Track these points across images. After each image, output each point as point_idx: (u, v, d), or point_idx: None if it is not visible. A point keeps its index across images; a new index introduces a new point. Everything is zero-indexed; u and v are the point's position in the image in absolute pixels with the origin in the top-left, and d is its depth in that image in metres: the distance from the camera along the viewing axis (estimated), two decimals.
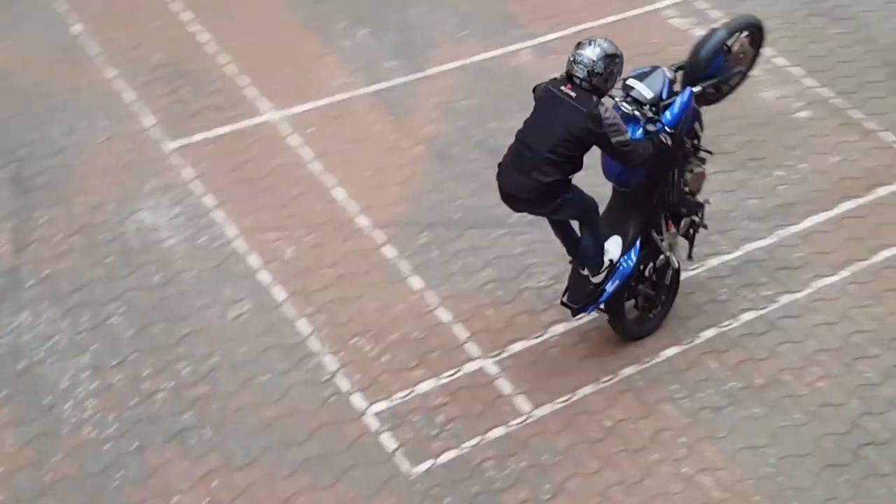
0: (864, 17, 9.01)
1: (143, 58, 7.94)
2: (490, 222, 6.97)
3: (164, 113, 7.52)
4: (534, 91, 5.86)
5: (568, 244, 5.99)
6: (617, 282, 6.01)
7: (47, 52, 7.86)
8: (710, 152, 6.22)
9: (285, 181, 7.12)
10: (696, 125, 6.16)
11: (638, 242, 6.11)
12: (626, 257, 6.04)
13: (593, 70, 5.51)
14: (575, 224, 5.92)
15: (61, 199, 6.91)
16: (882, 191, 7.51)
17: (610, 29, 8.56)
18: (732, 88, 6.52)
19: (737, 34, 6.36)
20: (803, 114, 8.07)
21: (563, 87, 5.61)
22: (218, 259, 6.60)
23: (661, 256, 6.27)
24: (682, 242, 6.37)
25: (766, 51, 8.29)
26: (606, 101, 5.64)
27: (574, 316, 6.06)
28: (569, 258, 6.01)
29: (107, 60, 7.87)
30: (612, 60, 5.57)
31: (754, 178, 7.49)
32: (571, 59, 5.59)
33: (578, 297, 5.95)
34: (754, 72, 8.20)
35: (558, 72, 8.18)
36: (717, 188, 7.32)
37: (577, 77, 5.55)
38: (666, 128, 5.79)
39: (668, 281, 6.41)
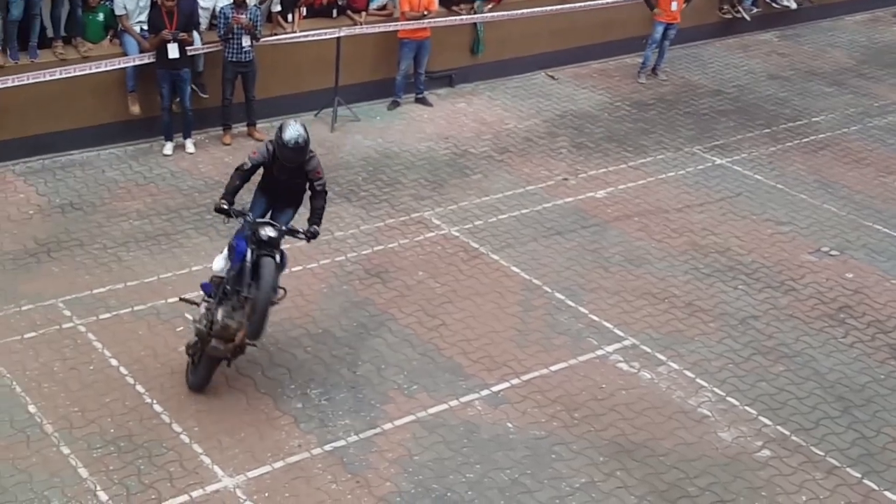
0: (809, 353, 9.94)
1: (98, 432, 8.42)
2: None
3: (119, 487, 7.91)
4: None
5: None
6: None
7: (3, 434, 8.32)
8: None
9: None
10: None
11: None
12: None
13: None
14: None
15: None
16: None
17: (558, 375, 9.40)
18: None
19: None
20: (764, 452, 8.68)
21: None
22: None
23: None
24: None
25: (717, 390, 9.11)
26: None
27: None
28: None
29: (62, 437, 8.33)
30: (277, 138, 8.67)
31: None
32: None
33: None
34: (706, 412, 8.85)
35: (512, 421, 8.80)
36: None
37: None
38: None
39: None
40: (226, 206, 8.63)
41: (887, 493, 8.31)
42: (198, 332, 8.75)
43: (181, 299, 9.47)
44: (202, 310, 8.85)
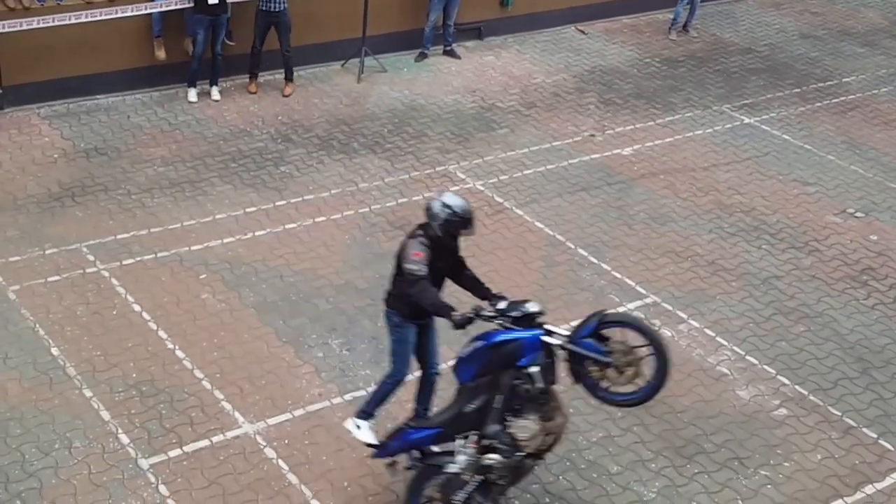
0: (830, 314, 9.91)
1: (120, 376, 8.54)
2: None
3: (140, 430, 8.02)
4: None
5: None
6: (401, 443, 7.20)
7: (26, 376, 8.44)
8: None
9: (262, 495, 7.53)
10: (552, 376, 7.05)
11: (432, 432, 7.15)
12: (422, 432, 7.18)
13: (427, 207, 7.33)
14: None
15: None
16: (869, 489, 8.04)
17: None
18: (600, 387, 7.09)
19: (611, 325, 7.03)
20: (781, 411, 8.71)
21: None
22: None
23: (451, 467, 7.05)
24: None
25: (736, 349, 9.10)
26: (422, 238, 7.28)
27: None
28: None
29: (84, 380, 8.45)
30: (444, 208, 7.26)
31: (739, 478, 7.99)
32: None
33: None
34: (724, 370, 8.86)
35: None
36: (700, 490, 7.83)
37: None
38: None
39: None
40: (471, 315, 7.04)
41: None
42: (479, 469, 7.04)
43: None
44: (459, 459, 7.07)
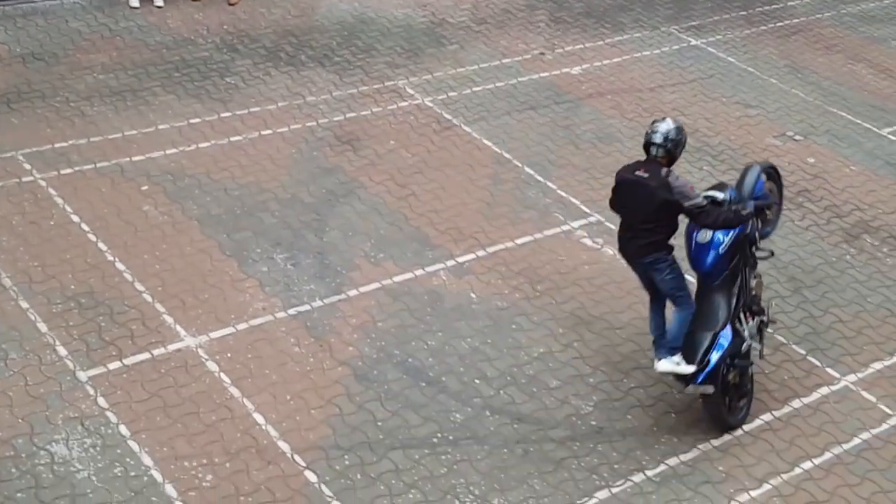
0: None
1: (58, 288, 8.27)
2: (413, 443, 7.30)
3: (79, 342, 7.80)
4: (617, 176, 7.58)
5: (656, 323, 7.63)
6: (721, 352, 7.34)
7: None
8: (771, 253, 7.94)
9: (204, 408, 7.38)
10: (756, 235, 7.83)
11: (728, 328, 7.45)
12: (723, 334, 7.43)
13: (668, 136, 7.28)
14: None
15: None
16: (796, 403, 8.10)
17: (523, 249, 9.30)
18: (769, 221, 8.17)
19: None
20: None
21: (637, 172, 7.35)
22: (134, 490, 6.74)
23: (745, 345, 7.59)
24: None
25: None
26: (675, 169, 7.35)
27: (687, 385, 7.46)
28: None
29: (20, 291, 8.17)
30: (681, 131, 7.37)
31: (672, 392, 7.98)
32: (648, 132, 7.36)
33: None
34: None
35: (476, 292, 8.76)
36: (635, 404, 7.85)
37: (655, 145, 7.29)
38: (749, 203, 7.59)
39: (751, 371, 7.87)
40: (747, 206, 7.45)
41: (829, 370, 8.39)
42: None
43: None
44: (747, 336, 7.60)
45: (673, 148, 7.28)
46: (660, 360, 7.45)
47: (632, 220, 7.41)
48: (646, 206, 7.24)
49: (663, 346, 7.48)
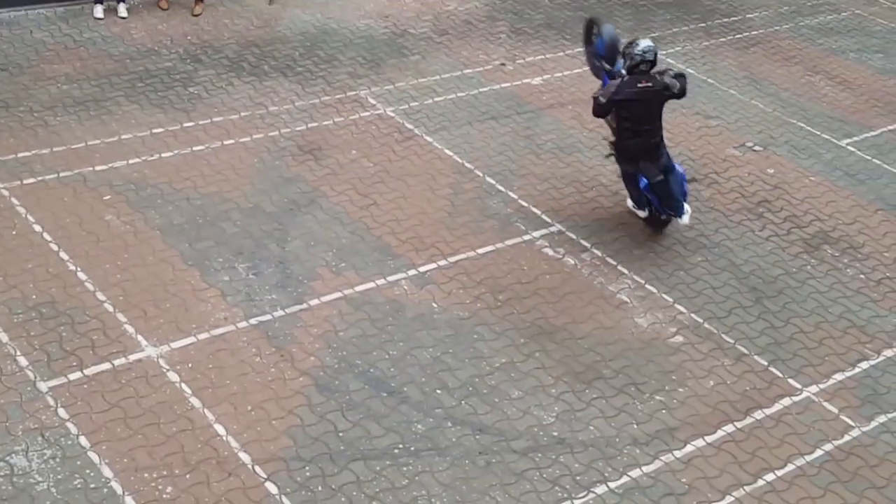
0: (726, 244, 9.96)
1: (20, 297, 8.18)
2: (374, 454, 7.27)
3: (40, 353, 7.71)
4: (614, 95, 9.22)
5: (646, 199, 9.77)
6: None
7: None
8: None
9: (164, 418, 7.32)
10: None
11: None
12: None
13: (654, 50, 9.28)
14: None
15: None
16: (758, 414, 8.12)
17: (485, 259, 9.30)
18: None
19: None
20: (678, 338, 8.73)
21: (640, 84, 9.17)
22: (93, 502, 6.67)
23: None
24: None
25: (636, 278, 9.12)
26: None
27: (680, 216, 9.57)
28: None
29: None
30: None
31: (635, 403, 8.02)
32: (638, 55, 9.18)
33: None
34: (624, 298, 8.90)
35: (437, 302, 8.76)
36: (597, 414, 7.85)
37: (649, 62, 9.23)
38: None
39: None
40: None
41: (791, 381, 8.42)
42: None
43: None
44: None
45: (655, 57, 9.27)
46: (682, 216, 9.53)
47: (648, 124, 9.30)
48: (659, 108, 9.36)
49: (677, 205, 9.50)
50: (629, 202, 10.00)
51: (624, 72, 9.41)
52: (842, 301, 9.42)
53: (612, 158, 9.88)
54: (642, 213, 9.94)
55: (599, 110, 9.40)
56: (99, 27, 12.23)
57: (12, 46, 11.59)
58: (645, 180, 9.52)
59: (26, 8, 12.28)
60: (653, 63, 9.25)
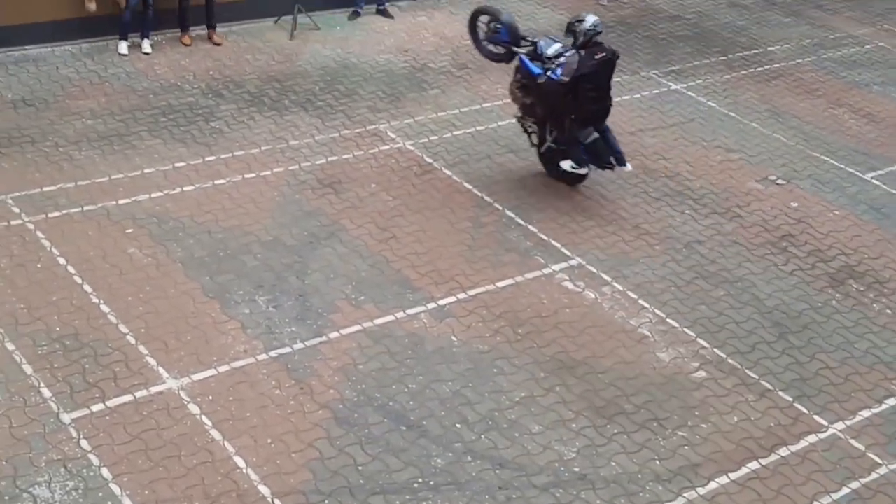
0: (749, 279, 9.97)
1: (44, 330, 8.30)
2: (393, 488, 7.30)
3: (63, 384, 7.81)
4: (577, 72, 10.16)
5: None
6: None
7: None
8: None
9: (185, 451, 7.39)
10: None
11: None
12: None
13: (601, 23, 10.41)
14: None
15: None
16: (783, 451, 8.09)
17: (504, 292, 9.36)
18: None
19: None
20: (700, 374, 8.73)
21: (598, 56, 10.20)
22: None
23: None
24: None
25: (658, 312, 9.14)
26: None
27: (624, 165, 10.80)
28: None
29: (6, 333, 8.20)
30: None
31: (657, 439, 8.02)
32: (591, 30, 10.23)
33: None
34: (646, 332, 8.90)
35: (457, 335, 8.79)
36: (619, 450, 7.86)
37: (600, 33, 10.32)
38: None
39: None
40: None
41: (816, 417, 8.41)
42: None
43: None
44: None
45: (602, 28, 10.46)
46: (626, 164, 10.80)
47: (605, 92, 10.42)
48: (612, 74, 10.42)
49: (621, 154, 10.76)
50: (567, 165, 10.68)
51: (558, 50, 10.44)
52: (868, 336, 9.40)
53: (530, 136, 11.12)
54: (583, 171, 10.79)
55: (563, 89, 10.21)
56: (123, 63, 12.45)
57: (39, 82, 11.81)
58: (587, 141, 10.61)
59: (52, 45, 12.52)
60: (600, 32, 10.36)
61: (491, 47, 11.11)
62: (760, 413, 8.41)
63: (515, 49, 10.69)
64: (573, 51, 10.22)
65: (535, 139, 11.06)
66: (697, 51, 14.80)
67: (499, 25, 10.85)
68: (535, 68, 10.42)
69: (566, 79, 10.05)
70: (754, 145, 12.39)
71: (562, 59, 10.23)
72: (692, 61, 14.44)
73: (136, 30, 12.71)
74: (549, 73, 10.25)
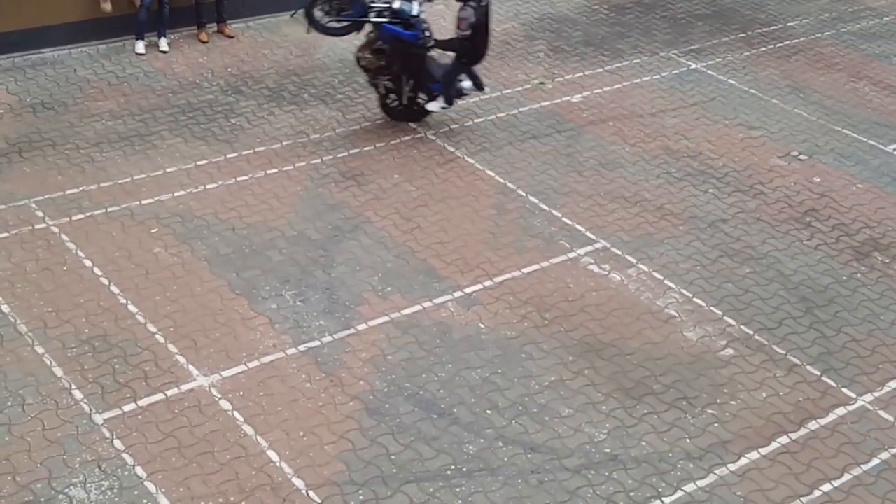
0: (774, 255, 9.97)
1: (72, 332, 8.39)
2: (427, 476, 7.37)
3: (94, 385, 7.91)
4: (475, 21, 10.93)
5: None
6: None
7: None
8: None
9: (217, 446, 7.47)
10: None
11: None
12: None
13: None
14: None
15: None
16: (813, 424, 8.13)
17: (530, 278, 9.40)
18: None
19: None
20: (728, 351, 8.76)
21: (482, 4, 10.93)
22: None
23: None
24: None
25: (684, 292, 9.15)
26: None
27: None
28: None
29: (36, 337, 8.30)
30: None
31: (687, 417, 8.05)
32: None
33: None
34: (672, 312, 8.91)
35: (484, 322, 8.83)
36: (649, 430, 7.89)
37: None
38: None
39: None
40: None
41: (844, 390, 8.43)
42: None
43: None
44: None
45: None
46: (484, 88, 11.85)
47: (486, 34, 11.20)
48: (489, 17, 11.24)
49: (479, 80, 11.71)
50: (435, 106, 11.41)
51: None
52: (894, 308, 9.39)
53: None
54: (445, 107, 11.52)
55: (471, 36, 10.97)
56: (141, 63, 12.54)
57: (57, 85, 11.91)
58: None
59: (69, 47, 12.62)
60: None
61: (333, 24, 11.63)
62: (789, 388, 8.42)
63: (375, 19, 11.21)
64: (462, 3, 10.91)
65: (391, 97, 11.64)
66: (716, 29, 14.75)
67: (345, 4, 11.51)
68: (408, 32, 11.08)
69: (469, 31, 10.87)
70: (776, 122, 12.35)
71: (461, 15, 10.90)
72: (711, 40, 14.38)
73: (152, 29, 12.79)
74: (426, 33, 11.09)
